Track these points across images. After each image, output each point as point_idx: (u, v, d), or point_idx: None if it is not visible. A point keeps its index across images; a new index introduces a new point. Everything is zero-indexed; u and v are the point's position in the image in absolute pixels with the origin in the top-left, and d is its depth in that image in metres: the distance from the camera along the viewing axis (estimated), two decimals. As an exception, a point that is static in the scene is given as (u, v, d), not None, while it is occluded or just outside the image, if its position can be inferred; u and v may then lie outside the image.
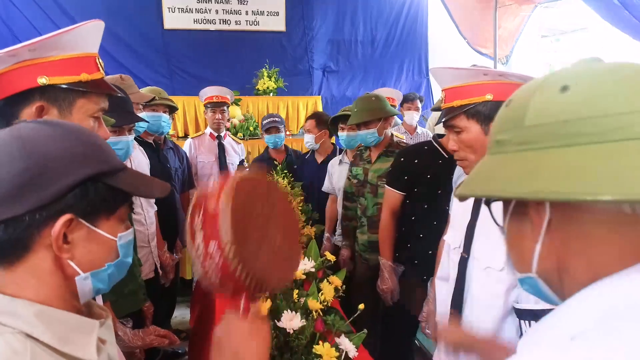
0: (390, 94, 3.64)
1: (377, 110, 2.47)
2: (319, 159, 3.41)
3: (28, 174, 0.65)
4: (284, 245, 0.87)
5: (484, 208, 1.37)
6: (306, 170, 3.46)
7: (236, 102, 5.43)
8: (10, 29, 5.45)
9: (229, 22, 6.07)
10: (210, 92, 3.68)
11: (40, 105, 1.00)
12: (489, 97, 1.27)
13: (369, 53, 6.64)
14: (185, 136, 5.52)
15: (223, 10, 6.03)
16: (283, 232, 0.87)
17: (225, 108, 3.72)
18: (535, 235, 0.54)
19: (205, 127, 5.40)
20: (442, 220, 1.83)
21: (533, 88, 0.56)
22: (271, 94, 5.84)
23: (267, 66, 5.93)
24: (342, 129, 2.96)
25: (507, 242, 0.61)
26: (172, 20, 5.91)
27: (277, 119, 3.62)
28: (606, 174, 0.45)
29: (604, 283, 0.48)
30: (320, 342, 1.25)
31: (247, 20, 6.11)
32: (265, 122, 3.63)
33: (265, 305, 1.26)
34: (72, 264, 0.70)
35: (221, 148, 3.69)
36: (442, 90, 1.40)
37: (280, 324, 1.22)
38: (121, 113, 1.83)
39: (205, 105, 3.73)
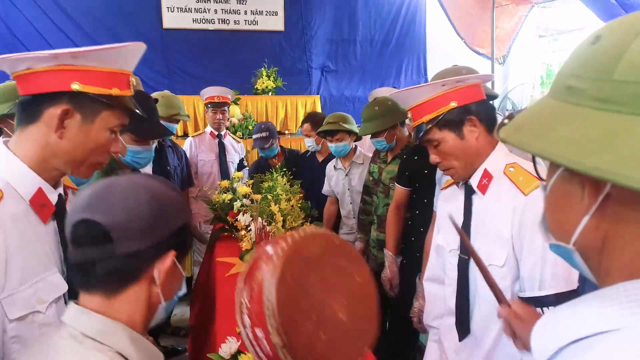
0: (390, 92, 3.66)
1: (381, 120, 2.48)
2: (320, 157, 3.44)
3: (154, 215, 0.79)
4: (350, 321, 0.74)
5: (476, 206, 1.38)
6: (306, 169, 3.48)
7: (235, 102, 5.46)
8: (9, 28, 5.47)
9: (227, 22, 6.10)
10: (212, 92, 3.71)
11: (66, 109, 1.03)
12: (453, 104, 1.31)
13: (367, 53, 6.67)
14: (185, 135, 5.54)
15: (222, 10, 6.06)
16: (348, 303, 0.75)
17: (226, 108, 3.76)
18: (586, 206, 0.46)
19: (205, 126, 5.44)
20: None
21: (637, 28, 0.43)
22: (270, 93, 5.87)
23: (265, 65, 5.95)
24: (330, 140, 2.98)
25: (548, 202, 0.53)
26: (171, 20, 5.93)
27: (264, 134, 3.48)
28: None
29: None
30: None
31: (246, 20, 6.13)
32: (254, 137, 3.55)
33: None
34: (160, 294, 0.82)
35: (221, 147, 3.73)
36: (407, 111, 1.43)
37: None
38: (149, 124, 1.83)
39: (205, 105, 3.76)
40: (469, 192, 1.41)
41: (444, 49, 6.57)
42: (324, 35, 6.47)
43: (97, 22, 5.69)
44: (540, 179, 0.56)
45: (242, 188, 2.64)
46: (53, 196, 1.07)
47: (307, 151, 3.58)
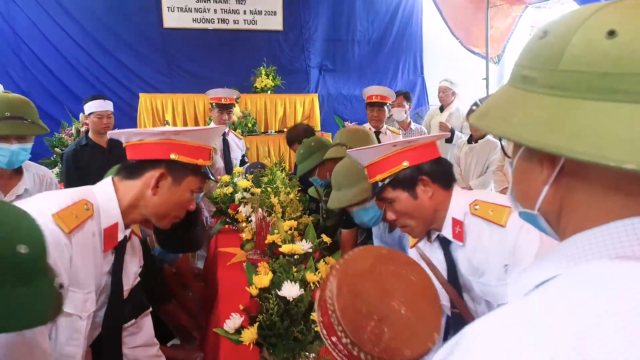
0: (385, 92, 3.75)
1: (310, 160, 2.33)
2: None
3: None
4: (410, 314, 0.86)
5: (461, 257, 1.33)
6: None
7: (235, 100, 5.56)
8: (11, 26, 5.55)
9: (227, 22, 6.19)
10: (218, 93, 3.80)
11: (163, 173, 1.28)
12: (405, 164, 1.32)
13: (365, 52, 6.77)
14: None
15: (222, 9, 6.15)
16: (405, 300, 0.88)
17: (231, 109, 3.86)
18: (545, 178, 0.53)
19: (204, 123, 5.53)
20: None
21: (576, 24, 0.49)
22: (269, 91, 5.96)
23: (264, 64, 6.04)
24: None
25: (514, 176, 0.60)
26: (171, 20, 6.02)
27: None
28: (633, 140, 0.43)
29: (585, 235, 0.49)
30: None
31: (245, 20, 6.23)
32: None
33: (268, 277, 1.38)
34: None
35: (225, 144, 3.81)
36: (364, 168, 1.44)
37: (281, 293, 1.34)
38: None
39: (211, 104, 3.84)
40: (446, 245, 1.38)
41: (439, 48, 6.68)
42: (322, 35, 6.57)
43: (99, 22, 5.78)
44: (507, 156, 0.63)
45: (243, 182, 2.73)
46: (121, 234, 1.31)
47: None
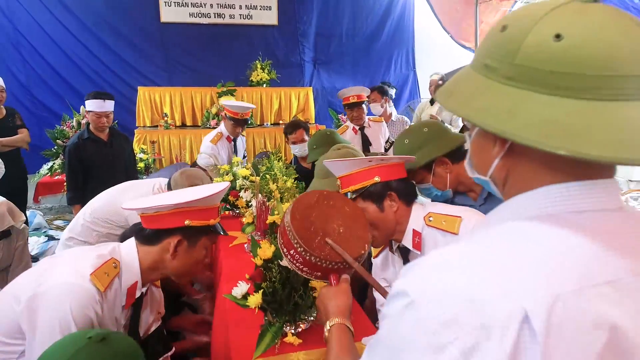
0: (361, 91, 3.80)
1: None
2: (304, 164, 3.50)
3: None
4: (346, 232, 1.16)
5: None
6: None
7: (231, 93, 5.68)
8: (11, 21, 5.64)
9: (223, 16, 6.31)
10: (236, 108, 3.82)
11: (180, 239, 1.41)
12: (377, 179, 1.45)
13: (358, 46, 6.91)
14: (183, 125, 5.77)
15: (217, 4, 6.27)
16: (344, 222, 1.17)
17: (247, 124, 3.95)
18: (497, 153, 0.61)
19: (200, 118, 5.63)
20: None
21: (531, 24, 0.55)
22: (264, 85, 6.09)
23: (260, 58, 6.17)
24: (294, 142, 3.14)
25: (472, 148, 0.68)
26: (168, 14, 6.13)
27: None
28: (567, 129, 0.50)
29: (515, 199, 0.60)
30: (314, 279, 1.54)
31: (240, 14, 6.35)
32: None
33: (271, 249, 1.54)
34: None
35: (235, 147, 3.93)
36: (337, 178, 1.54)
37: (282, 263, 1.51)
38: None
39: (225, 114, 3.85)
40: (406, 254, 1.54)
41: (431, 43, 6.83)
42: (316, 30, 6.70)
43: (97, 16, 5.88)
44: (467, 129, 0.76)
45: (242, 170, 2.88)
46: (138, 292, 1.43)
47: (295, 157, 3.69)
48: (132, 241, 1.44)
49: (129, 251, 1.41)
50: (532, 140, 0.51)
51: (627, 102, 0.50)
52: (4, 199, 2.68)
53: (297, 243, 1.11)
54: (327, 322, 1.04)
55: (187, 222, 1.38)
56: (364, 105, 3.74)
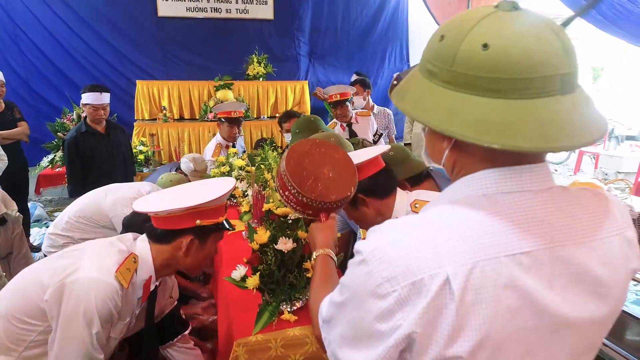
0: (344, 89, 3.89)
1: None
2: None
3: None
4: (335, 176, 1.30)
5: None
6: None
7: (228, 86, 5.77)
8: (9, 15, 5.68)
9: (219, 11, 6.37)
10: (227, 107, 3.89)
11: (192, 239, 1.49)
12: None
13: (353, 40, 6.98)
14: (181, 118, 5.86)
15: (214, -2, 6.33)
16: (333, 168, 1.31)
17: (241, 122, 3.92)
18: (446, 147, 0.70)
19: (200, 110, 5.70)
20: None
21: (463, 34, 0.62)
22: (261, 79, 6.18)
23: (256, 52, 6.25)
24: (288, 130, 3.21)
25: (426, 141, 0.77)
26: (165, 9, 6.18)
27: None
28: (498, 126, 0.58)
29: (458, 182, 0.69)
30: (308, 261, 1.66)
31: (237, 9, 6.41)
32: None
33: (267, 234, 1.66)
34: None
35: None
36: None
37: (277, 247, 1.63)
38: None
39: (219, 119, 3.89)
40: None
41: (425, 37, 6.88)
42: (312, 24, 6.77)
43: (95, 11, 5.93)
44: (424, 130, 0.81)
45: (238, 161, 2.99)
46: (153, 285, 1.54)
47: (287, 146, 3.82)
48: (144, 239, 1.53)
49: (144, 249, 1.50)
50: (469, 137, 0.60)
51: (545, 99, 0.59)
52: None
53: (292, 186, 1.24)
54: (314, 252, 1.18)
55: (198, 222, 1.45)
56: (348, 103, 3.81)
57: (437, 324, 0.60)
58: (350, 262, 0.69)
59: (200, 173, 3.15)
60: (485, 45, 0.59)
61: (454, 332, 0.59)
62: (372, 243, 0.65)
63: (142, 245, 1.51)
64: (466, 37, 0.61)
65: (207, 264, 1.66)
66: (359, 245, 0.67)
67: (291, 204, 1.29)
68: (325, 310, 0.77)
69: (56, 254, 1.52)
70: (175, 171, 3.05)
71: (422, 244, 0.61)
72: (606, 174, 7.03)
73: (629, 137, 10.63)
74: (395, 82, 3.82)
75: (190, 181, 2.69)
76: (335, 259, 1.19)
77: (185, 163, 3.17)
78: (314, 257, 1.17)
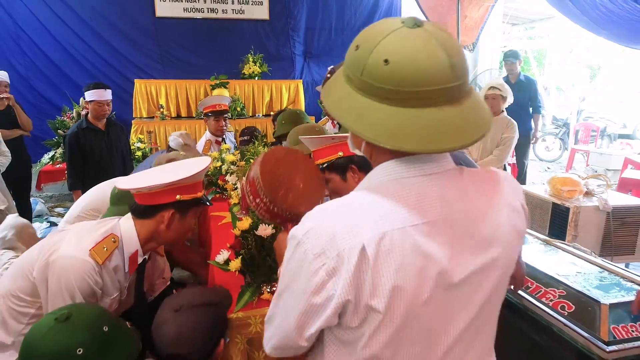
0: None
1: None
2: None
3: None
4: (305, 188, 1.32)
5: None
6: None
7: (224, 85, 5.91)
8: (11, 15, 5.84)
9: (216, 11, 6.51)
10: (211, 101, 3.99)
11: (173, 212, 1.58)
12: (340, 154, 1.68)
13: (347, 40, 7.03)
14: (178, 116, 6.00)
15: (210, -1, 6.48)
16: (305, 180, 1.33)
17: (227, 115, 4.02)
18: (362, 141, 0.82)
19: (196, 108, 5.84)
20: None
21: (372, 47, 0.71)
22: (256, 78, 6.31)
23: (252, 52, 6.39)
24: None
25: (350, 136, 0.88)
26: (163, 9, 6.33)
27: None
28: (390, 129, 0.70)
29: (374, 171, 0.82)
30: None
31: (233, 9, 6.55)
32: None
33: (248, 222, 1.80)
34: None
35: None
36: (311, 152, 1.79)
37: (257, 233, 1.77)
38: None
39: (206, 114, 3.99)
40: None
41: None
42: (307, 24, 6.91)
43: (94, 11, 6.07)
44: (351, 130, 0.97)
45: (229, 156, 3.14)
46: (140, 258, 1.64)
47: None
48: (128, 217, 1.64)
49: (128, 226, 1.61)
50: (370, 138, 0.71)
51: (431, 108, 0.70)
52: None
53: (264, 195, 1.26)
54: (281, 262, 1.29)
55: (178, 197, 1.56)
56: None
57: (361, 286, 0.71)
58: (286, 251, 0.80)
59: (190, 146, 3.25)
60: (386, 61, 0.69)
61: (373, 290, 0.71)
62: (305, 226, 0.76)
63: (125, 222, 1.62)
64: (373, 51, 0.71)
65: (187, 237, 1.75)
66: (293, 231, 0.78)
67: (260, 211, 1.31)
68: (269, 310, 0.86)
69: (49, 234, 1.65)
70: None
71: (344, 222, 0.73)
72: (595, 171, 7.17)
73: (623, 135, 10.78)
74: (329, 75, 3.91)
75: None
76: None
77: (174, 140, 3.29)
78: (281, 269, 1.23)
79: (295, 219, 1.30)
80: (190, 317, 1.37)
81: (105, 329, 1.16)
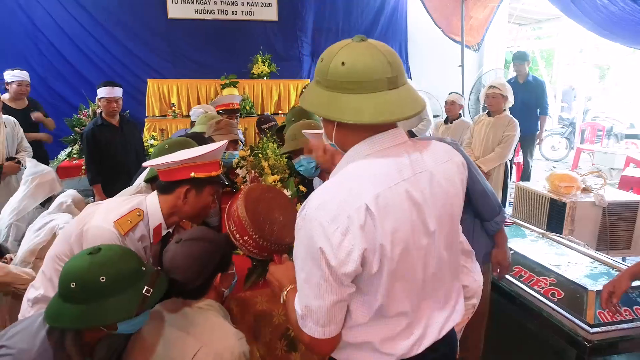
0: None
1: (289, 144, 2.60)
2: None
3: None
4: (285, 219, 1.44)
5: None
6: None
7: (233, 85, 6.07)
8: (29, 17, 6.04)
9: (226, 12, 6.69)
10: (225, 99, 4.15)
11: (188, 188, 1.70)
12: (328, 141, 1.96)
13: (354, 40, 7.22)
14: (189, 115, 6.16)
15: (221, 1, 6.65)
16: (282, 212, 1.46)
17: (239, 113, 4.20)
18: (333, 127, 1.04)
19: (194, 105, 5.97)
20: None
21: (332, 56, 0.97)
22: (265, 77, 6.47)
23: (261, 52, 6.55)
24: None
25: (323, 125, 1.10)
26: (175, 11, 6.52)
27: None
28: (352, 110, 0.94)
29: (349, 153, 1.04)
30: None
31: (242, 11, 6.73)
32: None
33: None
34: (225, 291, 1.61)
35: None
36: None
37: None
38: None
39: (218, 112, 4.13)
40: None
41: (423, 37, 7.16)
42: (314, 25, 7.06)
43: (109, 14, 6.27)
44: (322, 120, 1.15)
45: (241, 152, 3.29)
46: (164, 231, 1.77)
47: None
48: (155, 194, 1.80)
49: (153, 201, 1.76)
50: (339, 118, 0.97)
51: (378, 93, 0.95)
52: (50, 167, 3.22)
53: (252, 231, 1.37)
54: (283, 289, 1.26)
55: (192, 175, 1.68)
56: None
57: (372, 234, 0.92)
58: (299, 234, 0.97)
59: (214, 116, 3.42)
60: (343, 63, 0.96)
61: (382, 234, 0.94)
62: (313, 204, 0.95)
63: (151, 199, 1.77)
64: (333, 59, 0.98)
65: (206, 214, 1.87)
66: (303, 212, 0.96)
67: (249, 247, 1.40)
68: (298, 307, 1.01)
69: (86, 207, 1.82)
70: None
71: (346, 191, 0.95)
72: (600, 170, 7.22)
73: (631, 135, 10.78)
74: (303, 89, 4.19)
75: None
76: None
77: (195, 112, 3.40)
78: (285, 293, 1.21)
79: (281, 250, 1.43)
80: (185, 248, 1.51)
81: (130, 264, 1.34)
